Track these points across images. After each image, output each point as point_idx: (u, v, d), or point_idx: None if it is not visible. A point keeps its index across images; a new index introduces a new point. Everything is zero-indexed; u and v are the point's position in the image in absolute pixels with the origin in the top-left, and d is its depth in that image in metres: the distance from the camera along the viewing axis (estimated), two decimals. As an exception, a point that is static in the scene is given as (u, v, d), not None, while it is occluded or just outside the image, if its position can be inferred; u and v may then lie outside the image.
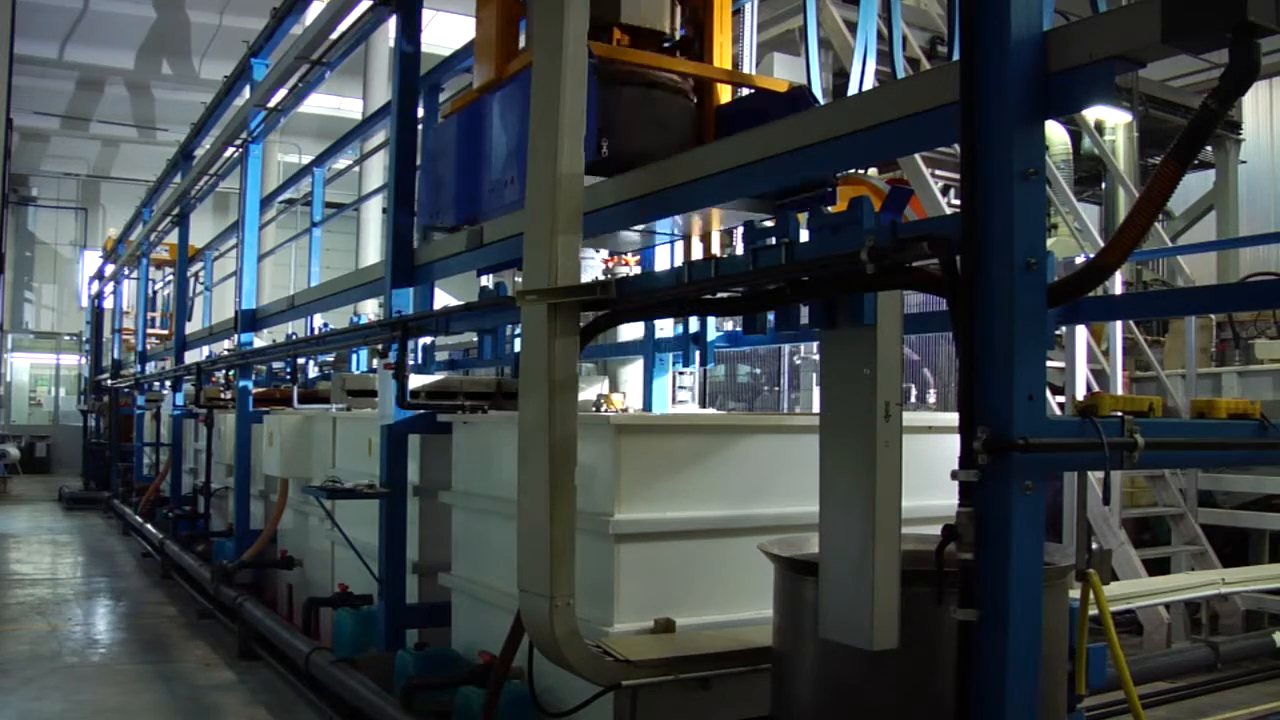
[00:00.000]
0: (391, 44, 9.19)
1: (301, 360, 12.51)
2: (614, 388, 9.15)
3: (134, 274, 21.03)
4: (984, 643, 2.73)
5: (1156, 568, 9.30)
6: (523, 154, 4.52)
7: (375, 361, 9.31)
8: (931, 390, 11.42)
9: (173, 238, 15.98)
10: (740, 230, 5.12)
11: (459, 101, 5.88)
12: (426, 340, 7.48)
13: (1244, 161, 18.51)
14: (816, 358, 10.20)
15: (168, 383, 15.25)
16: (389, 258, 6.80)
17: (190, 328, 15.77)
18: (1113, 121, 15.65)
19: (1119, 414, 3.08)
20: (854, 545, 3.13)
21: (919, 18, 12.16)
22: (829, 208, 4.28)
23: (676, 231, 5.57)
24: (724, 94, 5.32)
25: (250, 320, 10.44)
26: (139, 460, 19.31)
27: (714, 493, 4.68)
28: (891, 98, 3.40)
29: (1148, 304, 7.39)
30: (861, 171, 11.95)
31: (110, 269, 22.65)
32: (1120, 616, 8.21)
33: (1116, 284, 9.06)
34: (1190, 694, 7.23)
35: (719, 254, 5.31)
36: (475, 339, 7.87)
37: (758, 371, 14.30)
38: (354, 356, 11.75)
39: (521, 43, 5.58)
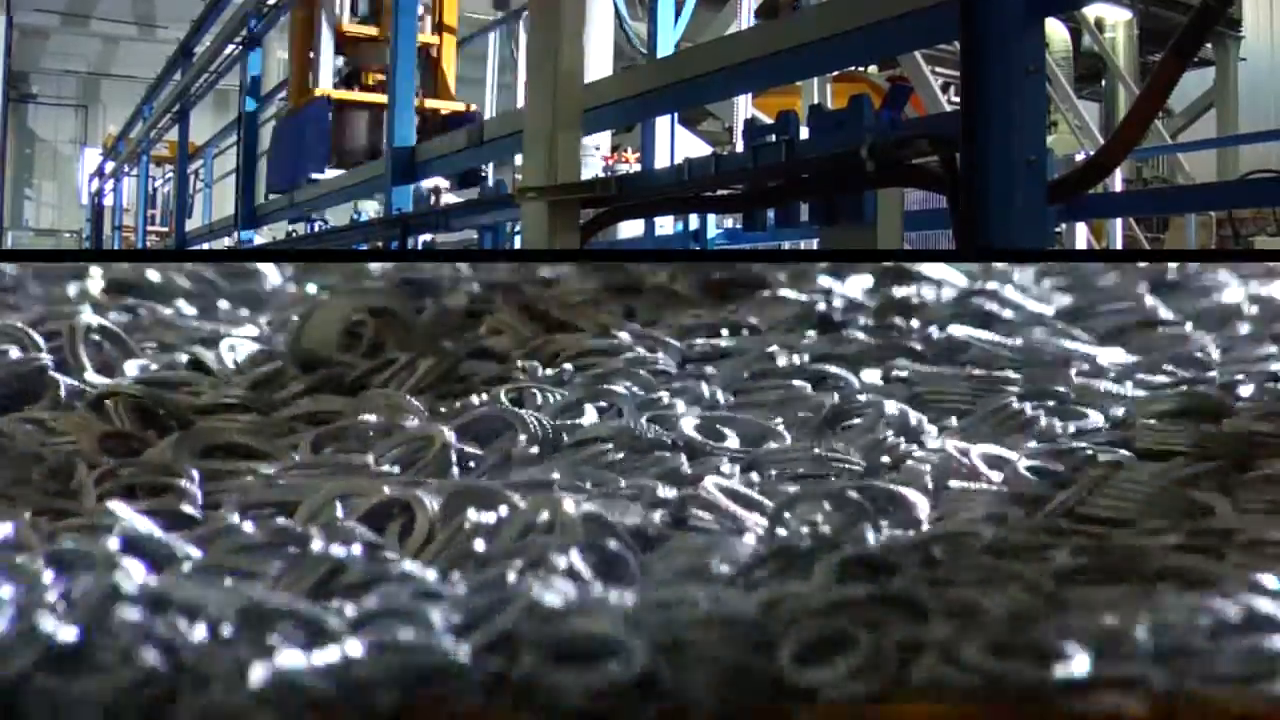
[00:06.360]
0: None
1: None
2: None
3: (134, 171, 20.87)
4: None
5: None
6: (306, 154, 8.26)
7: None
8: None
9: (173, 135, 15.88)
10: (740, 127, 5.12)
11: (282, 113, 10.08)
12: (427, 237, 7.47)
13: (1244, 59, 18.26)
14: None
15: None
16: (388, 154, 6.78)
17: (190, 225, 15.74)
18: (1113, 19, 15.46)
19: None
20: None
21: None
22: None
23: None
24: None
25: (251, 216, 10.44)
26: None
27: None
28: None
29: (1148, 201, 7.39)
30: (862, 69, 11.85)
31: (110, 166, 22.46)
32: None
33: (1116, 181, 9.01)
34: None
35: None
36: (475, 236, 7.85)
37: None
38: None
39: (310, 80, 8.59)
